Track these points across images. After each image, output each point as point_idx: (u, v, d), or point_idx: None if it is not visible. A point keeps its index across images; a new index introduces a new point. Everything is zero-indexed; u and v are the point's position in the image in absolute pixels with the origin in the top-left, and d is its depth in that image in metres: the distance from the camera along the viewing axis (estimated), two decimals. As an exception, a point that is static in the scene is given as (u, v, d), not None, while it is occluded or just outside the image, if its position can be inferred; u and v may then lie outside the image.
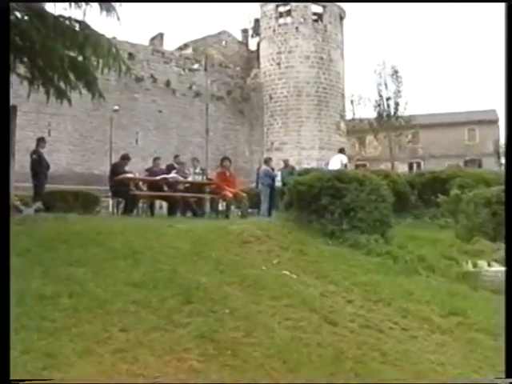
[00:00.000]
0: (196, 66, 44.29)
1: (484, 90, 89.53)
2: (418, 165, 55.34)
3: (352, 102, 44.10)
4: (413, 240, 12.73)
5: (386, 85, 42.69)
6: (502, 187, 15.77)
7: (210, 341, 5.34)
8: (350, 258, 10.64)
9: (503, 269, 11.86)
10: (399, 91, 42.61)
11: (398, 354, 6.21)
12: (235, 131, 45.88)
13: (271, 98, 44.35)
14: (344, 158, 23.26)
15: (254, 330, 5.89)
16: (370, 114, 44.21)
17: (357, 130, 45.70)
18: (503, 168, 49.03)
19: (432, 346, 6.85)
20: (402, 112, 42.80)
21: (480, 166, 49.45)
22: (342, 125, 43.77)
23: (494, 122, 59.65)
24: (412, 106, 45.41)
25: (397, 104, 42.62)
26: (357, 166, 43.37)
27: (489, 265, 11.95)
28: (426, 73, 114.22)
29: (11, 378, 4.07)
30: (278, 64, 43.99)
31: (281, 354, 5.46)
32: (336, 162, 22.46)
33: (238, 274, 7.96)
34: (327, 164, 23.16)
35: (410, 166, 53.36)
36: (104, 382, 4.44)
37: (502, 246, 12.61)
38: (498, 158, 55.36)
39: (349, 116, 45.20)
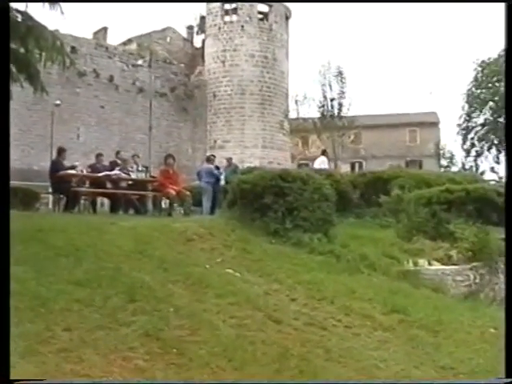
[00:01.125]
0: (140, 61, 43.87)
1: (425, 92, 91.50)
2: (360, 165, 56.16)
3: (296, 101, 44.36)
4: (355, 239, 12.91)
5: (330, 86, 43.12)
6: (442, 188, 16.19)
7: (155, 339, 5.31)
8: (293, 257, 10.72)
9: (443, 267, 12.20)
10: (343, 92, 43.10)
11: (341, 351, 6.31)
12: (178, 128, 45.63)
13: (215, 95, 44.29)
14: (325, 161, 23.60)
15: (199, 329, 5.89)
16: (314, 113, 44.55)
17: (300, 130, 45.99)
18: (443, 169, 50.25)
19: (375, 342, 6.98)
20: (345, 113, 43.31)
21: (420, 166, 50.52)
22: (286, 124, 44.04)
23: (435, 124, 61.03)
24: (355, 106, 46.22)
25: (340, 105, 43.09)
26: (299, 166, 43.68)
27: (429, 263, 12.24)
28: (370, 74, 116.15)
29: (11, 377, 4.05)
30: (223, 62, 43.96)
31: (226, 352, 5.47)
32: (317, 166, 22.87)
33: (182, 272, 7.93)
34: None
35: (352, 166, 54.07)
36: (105, 381, 4.43)
37: (442, 245, 12.96)
38: (439, 159, 56.67)
39: (293, 115, 45.42)
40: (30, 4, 11.81)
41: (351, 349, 6.52)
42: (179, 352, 5.22)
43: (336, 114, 43.09)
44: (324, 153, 24.18)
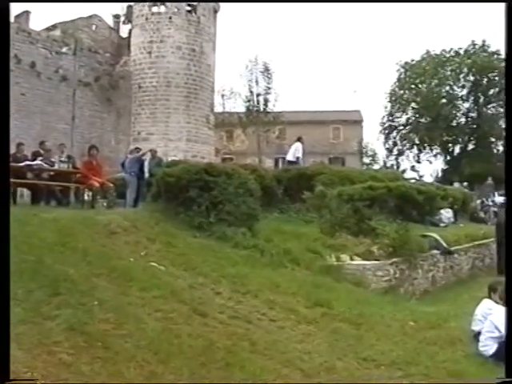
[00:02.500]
0: (64, 49, 42.73)
1: (350, 90, 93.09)
2: (284, 160, 56.53)
3: (223, 96, 44.39)
4: (279, 234, 13.04)
5: (257, 81, 43.38)
6: (365, 185, 16.54)
7: (79, 333, 5.22)
8: (217, 251, 10.76)
9: (364, 262, 12.48)
10: (269, 88, 43.45)
11: (266, 344, 6.39)
12: (102, 119, 44.78)
13: (140, 87, 43.63)
14: (300, 148, 23.60)
15: (125, 322, 5.83)
16: (240, 108, 44.69)
17: (226, 124, 46.09)
18: (365, 167, 51.25)
19: (299, 335, 7.10)
20: (271, 108, 43.66)
21: (343, 163, 51.36)
22: (211, 118, 43.89)
23: (358, 122, 62.16)
24: (281, 102, 46.65)
25: (266, 100, 43.42)
26: (223, 160, 43.70)
27: (351, 259, 12.51)
28: (296, 71, 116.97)
29: (11, 377, 3.98)
30: (149, 53, 43.34)
31: (152, 345, 5.44)
32: (293, 152, 22.91)
33: (106, 265, 7.82)
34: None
35: (276, 162, 54.46)
36: (105, 382, 4.36)
37: (364, 240, 13.25)
38: (361, 157, 57.76)
39: (219, 109, 45.40)
40: None
41: (276, 341, 6.61)
42: (104, 346, 5.16)
43: (262, 109, 43.41)
44: (299, 139, 24.22)
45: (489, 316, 8.21)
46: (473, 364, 7.37)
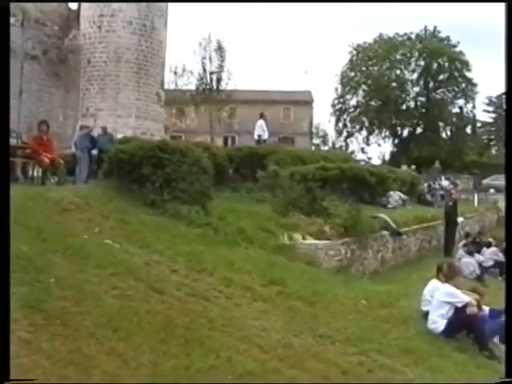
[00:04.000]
0: (12, 20, 41.57)
1: (301, 71, 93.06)
2: (233, 139, 56.58)
3: (175, 73, 43.94)
4: (232, 212, 13.07)
5: (210, 59, 43.08)
6: (317, 165, 16.71)
7: (37, 311, 5.14)
8: (171, 228, 10.74)
9: (316, 242, 12.63)
10: (222, 66, 43.22)
11: (224, 321, 6.43)
12: (49, 94, 43.74)
13: (89, 61, 42.68)
14: (263, 124, 23.46)
15: (82, 299, 5.78)
16: (192, 86, 44.38)
17: (177, 101, 45.66)
18: (314, 148, 51.59)
19: (255, 313, 7.16)
20: (223, 87, 43.50)
21: (293, 143, 51.53)
22: (162, 95, 43.45)
23: (309, 103, 62.33)
24: (233, 81, 46.43)
25: (219, 78, 43.23)
26: (173, 137, 43.37)
27: (303, 238, 12.63)
28: (248, 49, 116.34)
29: (11, 377, 3.95)
30: (99, 27, 42.40)
31: (111, 322, 5.42)
32: (257, 129, 22.80)
33: (61, 242, 7.71)
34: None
35: (226, 140, 54.42)
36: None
37: (316, 220, 13.40)
38: (311, 137, 58.10)
39: (170, 87, 44.95)
40: None
41: (233, 319, 6.66)
42: (63, 323, 5.11)
43: (215, 87, 43.24)
44: (262, 116, 24.10)
45: (436, 294, 8.47)
46: (425, 341, 7.59)
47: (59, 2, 40.21)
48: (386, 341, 7.13)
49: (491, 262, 19.72)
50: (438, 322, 8.21)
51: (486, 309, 9.60)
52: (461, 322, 8.19)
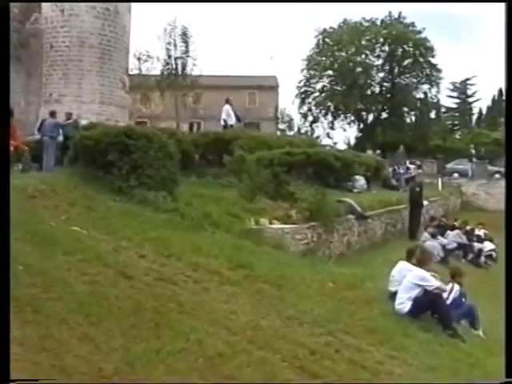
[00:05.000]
0: (-31, 3, 40.68)
1: (266, 55, 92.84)
2: (199, 125, 56.31)
3: (139, 59, 43.53)
4: (198, 197, 13.13)
5: (175, 44, 42.71)
6: (283, 150, 16.81)
7: (8, 298, 5.17)
8: (138, 214, 10.77)
9: (283, 226, 12.75)
10: (187, 52, 42.89)
11: (193, 305, 6.52)
12: (11, 79, 43.13)
13: (52, 46, 41.95)
14: (228, 109, 23.37)
15: (52, 286, 5.81)
16: (157, 71, 43.96)
17: (141, 87, 45.25)
18: (279, 133, 51.68)
19: (223, 296, 7.25)
20: (188, 72, 43.21)
21: (258, 129, 51.48)
22: (126, 80, 43.01)
23: (274, 88, 62.24)
24: (198, 66, 45.89)
25: (184, 64, 42.92)
26: (138, 123, 43.08)
27: (270, 222, 12.74)
28: (213, 34, 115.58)
29: (11, 377, 3.93)
30: (62, 11, 41.62)
31: (82, 308, 5.47)
32: (224, 115, 22.75)
33: (28, 229, 7.70)
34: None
35: (191, 126, 54.11)
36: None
37: (282, 204, 13.51)
38: (277, 122, 58.12)
39: (135, 72, 44.52)
40: None
41: (202, 302, 6.75)
42: (34, 310, 5.15)
43: (180, 72, 42.92)
44: (228, 101, 24.03)
45: (407, 276, 8.65)
46: (389, 321, 7.75)
47: (60, 1, 39.58)
48: (351, 321, 7.28)
49: (455, 245, 20.10)
50: (404, 302, 8.39)
51: (458, 288, 9.90)
52: (426, 303, 8.39)
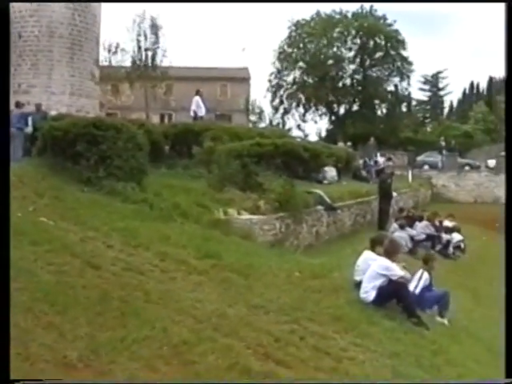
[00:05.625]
0: None
1: (238, 47, 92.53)
2: (170, 116, 56.09)
3: (109, 50, 43.21)
4: (167, 188, 13.15)
5: (145, 36, 42.46)
6: (252, 141, 16.87)
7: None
8: (107, 205, 10.78)
9: (251, 217, 12.83)
10: (157, 43, 42.67)
11: (160, 294, 6.56)
12: (-21, 70, 42.58)
13: (21, 36, 41.33)
14: (198, 100, 23.30)
15: (18, 276, 5.80)
16: (127, 62, 43.69)
17: (112, 78, 44.92)
18: (251, 125, 51.68)
19: (190, 285, 7.31)
20: (158, 63, 43.00)
21: (230, 120, 51.41)
22: (96, 71, 42.66)
23: (246, 79, 62.14)
24: (169, 58, 45.53)
25: (154, 55, 42.69)
26: (108, 115, 42.78)
27: (238, 213, 12.80)
28: (184, 26, 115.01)
29: (11, 377, 3.97)
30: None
31: (48, 297, 5.49)
32: (194, 105, 22.67)
33: (-6, 220, 7.66)
34: None
35: (162, 118, 53.93)
36: (105, 381, 4.32)
37: (251, 195, 13.58)
38: (248, 114, 58.09)
39: (105, 63, 44.16)
40: None
41: (169, 291, 6.79)
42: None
43: (150, 64, 42.70)
44: (198, 92, 24.02)
45: (371, 265, 8.77)
46: (354, 310, 7.87)
47: (60, 1, 39.13)
48: (317, 309, 7.37)
49: (423, 236, 20.32)
50: (369, 291, 8.50)
51: (427, 277, 10.09)
52: (391, 292, 8.50)
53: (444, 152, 46.28)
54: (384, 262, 8.65)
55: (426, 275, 10.24)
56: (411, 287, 10.02)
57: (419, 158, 46.98)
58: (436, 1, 76.88)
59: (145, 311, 5.87)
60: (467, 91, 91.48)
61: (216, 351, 5.30)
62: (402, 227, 19.23)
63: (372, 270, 8.64)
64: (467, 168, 44.83)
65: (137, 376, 4.60)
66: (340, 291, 8.63)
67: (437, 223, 23.13)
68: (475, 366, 7.21)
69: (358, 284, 8.89)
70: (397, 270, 8.57)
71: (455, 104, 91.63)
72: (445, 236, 21.78)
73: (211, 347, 5.36)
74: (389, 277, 8.49)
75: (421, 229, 20.71)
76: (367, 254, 9.37)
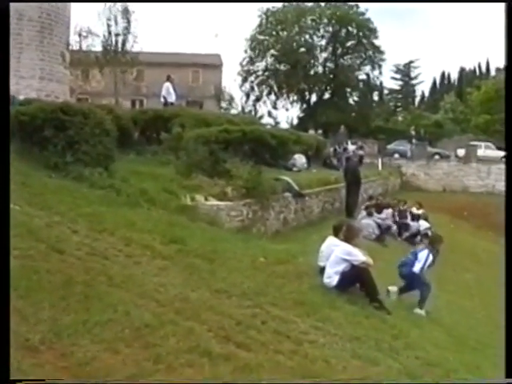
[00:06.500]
0: None
1: (210, 34, 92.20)
2: (141, 102, 55.78)
3: (79, 34, 42.74)
4: (135, 174, 13.17)
5: (115, 21, 42.08)
6: (220, 128, 16.91)
7: None
8: (73, 190, 10.76)
9: (218, 203, 12.92)
10: (128, 28, 42.32)
11: (123, 278, 6.61)
12: None
13: (-12, 19, 40.81)
14: (169, 87, 23.20)
15: (-21, 260, 5.82)
16: (97, 47, 43.28)
17: (82, 63, 44.44)
18: (223, 111, 51.62)
19: (154, 270, 7.37)
20: (129, 49, 42.67)
21: (201, 107, 51.28)
22: (67, 56, 42.21)
23: (218, 66, 62.00)
24: (140, 43, 45.17)
25: (124, 40, 42.35)
26: (79, 100, 42.42)
27: (206, 199, 12.88)
28: (156, 11, 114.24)
29: (11, 377, 3.94)
30: (-2, -18, 40.48)
31: (11, 281, 5.50)
32: (164, 91, 22.60)
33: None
34: None
35: (133, 103, 53.64)
36: (105, 381, 4.33)
37: (218, 182, 13.66)
38: (219, 101, 58.04)
39: (75, 48, 43.70)
40: None
41: (133, 275, 6.85)
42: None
43: (120, 49, 42.38)
44: (168, 78, 23.97)
45: (334, 251, 8.92)
46: (317, 294, 8.01)
47: (60, 1, 38.60)
48: (280, 294, 7.49)
49: (390, 223, 20.60)
50: (332, 276, 8.66)
51: (431, 259, 10.45)
52: (353, 277, 8.67)
53: (414, 141, 46.79)
54: (346, 247, 8.81)
55: (430, 257, 10.55)
56: (415, 269, 10.40)
57: (389, 147, 47.39)
58: (436, 0, 77.09)
59: (108, 295, 5.92)
60: (438, 81, 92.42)
61: (177, 334, 5.38)
62: (369, 214, 19.47)
63: (335, 255, 8.80)
64: (437, 157, 45.34)
65: (98, 358, 4.67)
66: (304, 277, 8.77)
67: (405, 211, 23.47)
68: (433, 350, 7.38)
69: (322, 269, 9.04)
70: (359, 255, 8.73)
71: (427, 94, 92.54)
72: (413, 224, 22.09)
73: (173, 330, 5.44)
74: (351, 262, 8.65)
75: (388, 216, 20.99)
76: (331, 240, 9.54)
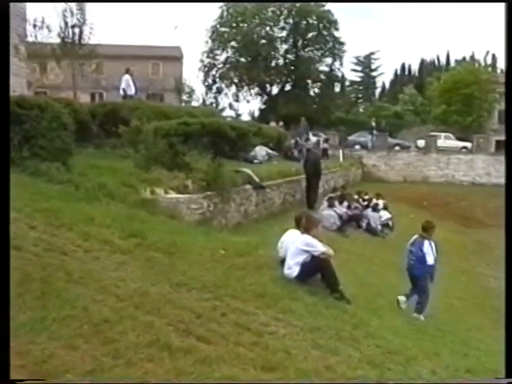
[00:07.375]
0: None
1: (170, 26, 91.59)
2: (101, 95, 55.22)
3: (35, 25, 41.95)
4: (94, 168, 13.02)
5: (71, 12, 41.36)
6: (180, 120, 16.82)
7: None
8: (31, 186, 10.58)
9: (178, 196, 12.86)
10: (84, 19, 41.64)
11: (82, 273, 6.54)
12: None
13: None
14: (129, 79, 22.98)
15: None
16: (54, 39, 42.51)
17: (39, 55, 43.66)
18: (183, 104, 51.35)
19: (114, 264, 7.30)
20: (86, 40, 42.01)
21: (162, 100, 50.95)
22: (22, 48, 41.44)
23: (179, 58, 61.61)
24: (98, 35, 44.45)
25: (81, 32, 41.68)
26: (37, 93, 41.72)
27: (165, 192, 12.81)
28: (114, 3, 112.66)
29: (11, 377, 3.91)
30: None
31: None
32: (122, 85, 22.37)
33: None
34: None
35: (93, 97, 53.02)
36: (105, 381, 4.28)
37: (178, 175, 13.60)
38: (179, 93, 57.72)
39: (30, 40, 42.92)
40: None
41: (91, 271, 6.78)
42: None
43: (77, 41, 41.69)
44: (128, 71, 23.72)
45: (294, 242, 8.95)
46: (277, 286, 8.01)
47: (61, 2, 37.76)
48: (240, 286, 7.48)
49: (351, 214, 20.80)
50: (293, 267, 8.68)
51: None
52: (313, 267, 8.70)
53: (375, 132, 47.23)
54: (306, 238, 8.84)
55: (433, 245, 10.81)
56: (430, 261, 10.65)
57: (350, 138, 47.80)
58: (436, 0, 77.53)
59: (66, 291, 5.85)
60: (399, 73, 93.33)
61: (136, 328, 5.35)
62: (330, 205, 19.62)
63: (295, 246, 8.82)
64: (397, 148, 45.92)
65: (56, 355, 4.62)
66: (264, 268, 8.77)
67: (366, 201, 23.72)
68: (393, 338, 7.45)
69: (283, 261, 9.06)
70: (318, 246, 8.76)
71: (387, 85, 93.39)
72: (373, 214, 22.33)
73: (132, 325, 5.41)
74: (311, 253, 8.69)
75: (349, 207, 21.18)
76: (291, 233, 9.56)
